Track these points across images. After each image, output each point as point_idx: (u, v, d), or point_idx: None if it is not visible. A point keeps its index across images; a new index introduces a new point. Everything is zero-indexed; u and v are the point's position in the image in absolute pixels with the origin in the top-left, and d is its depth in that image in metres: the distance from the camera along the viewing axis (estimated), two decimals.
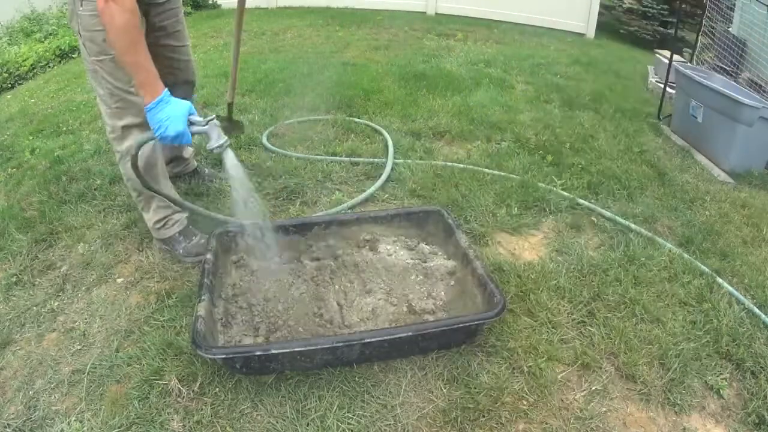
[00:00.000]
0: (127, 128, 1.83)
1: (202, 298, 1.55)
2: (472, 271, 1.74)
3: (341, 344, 1.48)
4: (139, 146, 1.63)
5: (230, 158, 1.65)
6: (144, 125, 1.67)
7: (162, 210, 2.00)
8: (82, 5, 1.67)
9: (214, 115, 1.61)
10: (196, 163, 2.54)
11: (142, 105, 1.58)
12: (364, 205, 2.41)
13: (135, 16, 1.50)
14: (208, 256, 1.74)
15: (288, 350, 1.43)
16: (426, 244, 2.04)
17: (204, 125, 1.57)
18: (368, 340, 1.46)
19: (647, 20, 7.08)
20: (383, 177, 2.58)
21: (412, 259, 1.96)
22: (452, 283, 1.86)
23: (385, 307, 1.76)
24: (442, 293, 1.83)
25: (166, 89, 1.56)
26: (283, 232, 1.96)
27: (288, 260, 1.96)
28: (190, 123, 1.56)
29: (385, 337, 1.50)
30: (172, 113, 1.52)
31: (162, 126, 1.52)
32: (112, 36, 1.50)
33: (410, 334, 1.51)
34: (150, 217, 2.01)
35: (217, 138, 1.59)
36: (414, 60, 4.82)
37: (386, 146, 2.91)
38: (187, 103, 1.56)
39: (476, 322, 1.56)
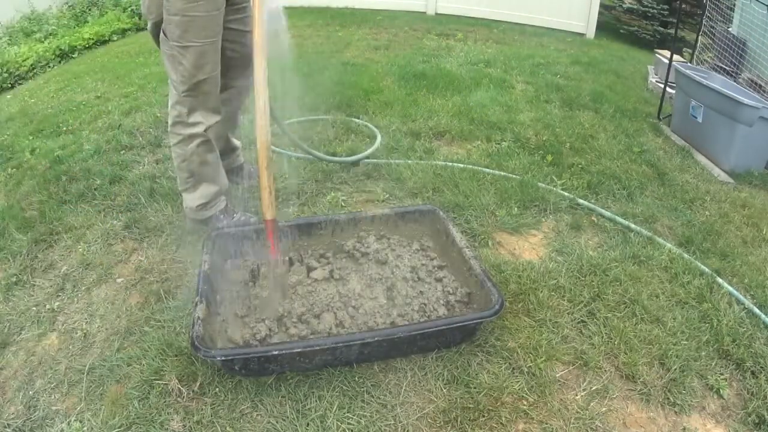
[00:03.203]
0: (193, 113, 1.93)
1: (201, 299, 1.55)
2: (470, 270, 1.74)
3: (341, 344, 1.48)
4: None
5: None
6: (210, 112, 1.90)
7: (209, 194, 2.07)
8: None
9: None
10: (243, 159, 2.54)
11: (211, 94, 1.85)
12: (361, 204, 2.42)
13: None
14: (205, 256, 1.74)
15: (287, 351, 1.43)
16: (422, 244, 2.04)
17: None
18: (367, 340, 1.46)
19: (647, 20, 7.07)
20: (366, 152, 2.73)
21: (408, 258, 1.96)
22: (449, 282, 1.86)
23: (383, 307, 1.76)
24: (439, 293, 1.83)
25: None
26: (282, 233, 1.95)
27: (286, 261, 1.95)
28: None
29: (384, 337, 1.50)
30: None
31: None
32: None
33: (408, 333, 1.51)
34: (194, 198, 2.06)
35: None
36: (414, 60, 4.81)
37: (375, 140, 2.93)
38: None
39: (474, 322, 1.56)
